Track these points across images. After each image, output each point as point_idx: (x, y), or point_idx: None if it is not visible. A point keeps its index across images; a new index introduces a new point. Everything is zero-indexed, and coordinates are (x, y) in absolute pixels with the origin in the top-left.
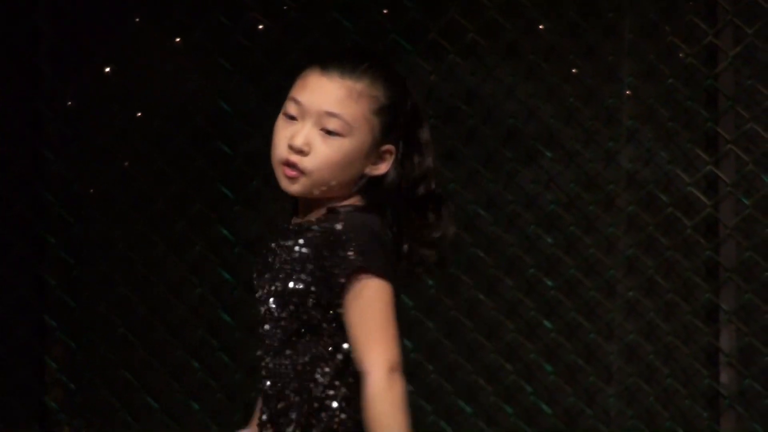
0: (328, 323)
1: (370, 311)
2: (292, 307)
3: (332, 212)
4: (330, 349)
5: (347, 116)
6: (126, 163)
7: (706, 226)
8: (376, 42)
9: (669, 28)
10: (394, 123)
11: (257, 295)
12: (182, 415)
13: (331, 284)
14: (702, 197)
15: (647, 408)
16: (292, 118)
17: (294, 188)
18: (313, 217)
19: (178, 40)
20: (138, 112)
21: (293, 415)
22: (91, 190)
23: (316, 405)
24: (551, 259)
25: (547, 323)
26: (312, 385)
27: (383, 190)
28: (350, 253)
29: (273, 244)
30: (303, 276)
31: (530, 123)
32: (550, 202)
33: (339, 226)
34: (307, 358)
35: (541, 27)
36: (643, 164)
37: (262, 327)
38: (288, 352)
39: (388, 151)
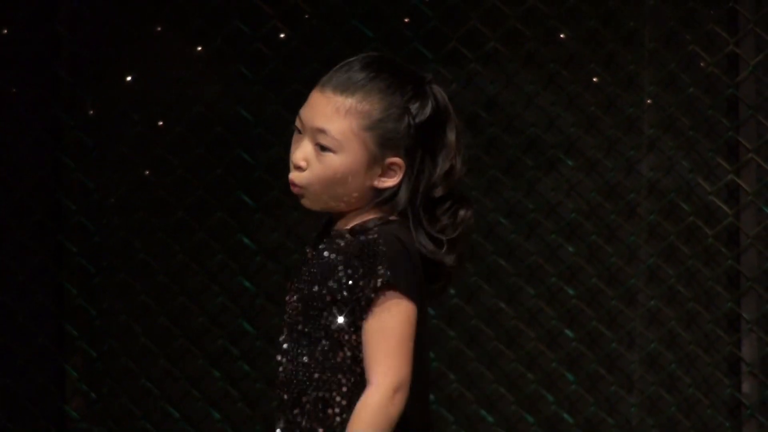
0: (350, 334)
1: (389, 327)
2: (313, 312)
3: (364, 223)
4: (349, 361)
5: (335, 132)
6: (146, 171)
7: (728, 235)
8: (397, 50)
9: (689, 37)
10: (394, 136)
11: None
12: (203, 423)
13: (359, 295)
14: (723, 206)
15: (669, 417)
16: (299, 132)
17: (304, 203)
18: (343, 226)
19: (199, 48)
20: (158, 120)
21: (307, 423)
22: (112, 199)
23: (330, 413)
24: (572, 267)
25: (568, 332)
26: (329, 394)
27: (396, 203)
28: (380, 267)
29: (308, 251)
30: (330, 283)
31: (551, 131)
32: (571, 211)
33: (371, 237)
34: (326, 367)
35: (561, 36)
36: (664, 173)
37: (284, 332)
38: (305, 359)
39: (396, 164)
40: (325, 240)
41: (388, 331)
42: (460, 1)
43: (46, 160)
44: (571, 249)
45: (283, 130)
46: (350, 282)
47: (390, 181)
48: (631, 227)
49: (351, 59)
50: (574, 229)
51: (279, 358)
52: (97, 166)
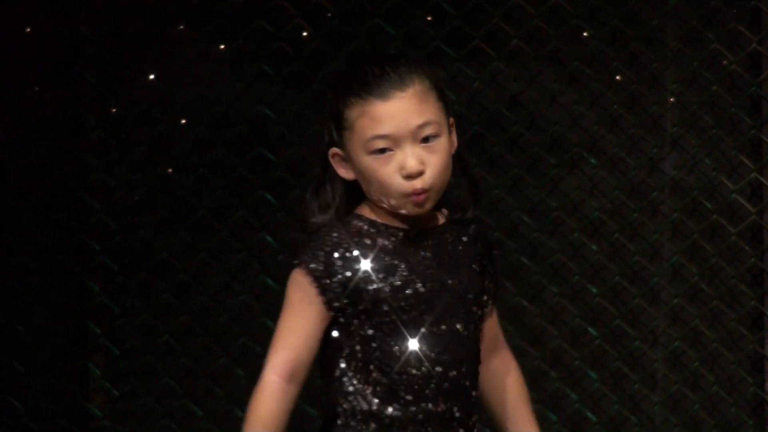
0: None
1: None
2: (475, 310)
3: (460, 210)
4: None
5: (433, 116)
6: (168, 170)
7: (751, 233)
8: (420, 49)
9: (712, 36)
10: (446, 97)
11: (409, 302)
12: (225, 422)
13: (497, 280)
14: (746, 204)
15: (692, 416)
16: (383, 151)
17: (426, 208)
18: (441, 219)
19: (221, 47)
20: (180, 118)
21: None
22: (134, 198)
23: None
24: (595, 266)
25: (591, 330)
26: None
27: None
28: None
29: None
30: (485, 279)
31: (574, 130)
32: (594, 209)
33: (485, 222)
34: (475, 360)
35: (584, 34)
36: (688, 171)
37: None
38: (469, 366)
39: (452, 124)
40: (446, 232)
41: None
42: (483, 0)
43: (68, 159)
44: (594, 247)
45: (305, 128)
46: (493, 270)
47: (455, 141)
48: (654, 225)
49: (369, 65)
50: (597, 227)
51: (439, 369)
52: (120, 165)
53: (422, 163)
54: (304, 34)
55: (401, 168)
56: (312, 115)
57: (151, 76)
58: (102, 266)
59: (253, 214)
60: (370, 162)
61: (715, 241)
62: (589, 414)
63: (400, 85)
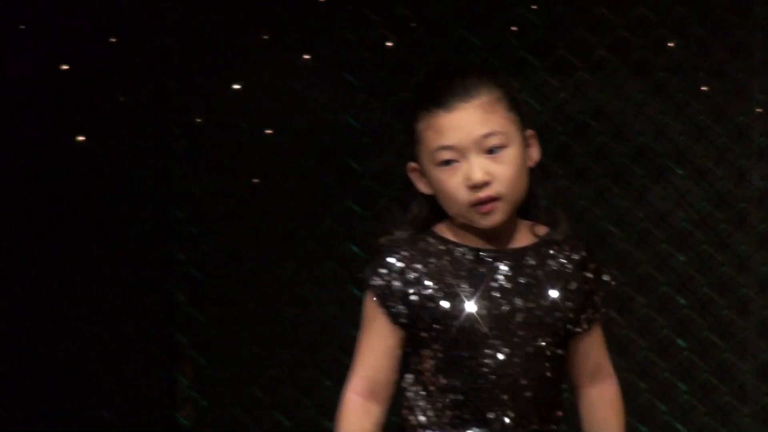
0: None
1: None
2: (558, 326)
3: (554, 229)
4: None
5: (498, 127)
6: (254, 180)
7: None
8: (504, 58)
9: None
10: (521, 108)
11: (469, 323)
12: None
13: (591, 307)
14: None
15: None
16: (448, 162)
17: (495, 219)
18: (529, 239)
19: (306, 56)
20: (265, 128)
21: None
22: (220, 207)
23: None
24: (683, 276)
25: (680, 341)
26: (557, 399)
27: (548, 179)
28: (607, 276)
29: (501, 265)
30: (576, 296)
31: (660, 140)
32: (681, 220)
33: (587, 247)
34: (560, 376)
35: (670, 44)
36: None
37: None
38: (548, 374)
39: (532, 136)
40: (528, 253)
41: (602, 330)
42: (568, 10)
43: (155, 169)
44: (681, 258)
45: (390, 138)
46: (585, 296)
47: (535, 154)
48: (742, 236)
49: (438, 78)
50: (684, 238)
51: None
52: (206, 175)
53: (488, 173)
54: (389, 44)
55: (466, 179)
56: (397, 125)
57: (236, 86)
58: (188, 276)
59: (339, 224)
60: (438, 174)
61: None
62: (678, 426)
63: (464, 95)
